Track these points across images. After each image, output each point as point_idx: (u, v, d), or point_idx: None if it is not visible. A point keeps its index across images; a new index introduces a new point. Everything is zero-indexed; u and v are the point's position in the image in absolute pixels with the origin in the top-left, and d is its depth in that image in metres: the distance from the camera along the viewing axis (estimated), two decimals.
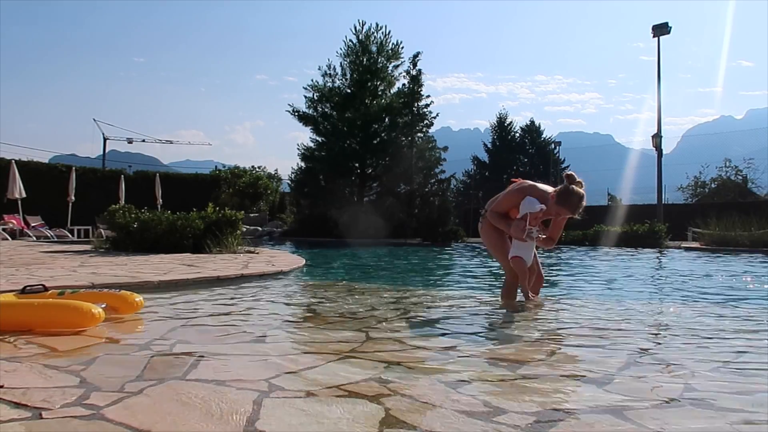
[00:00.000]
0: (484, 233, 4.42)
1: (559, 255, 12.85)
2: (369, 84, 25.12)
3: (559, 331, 3.31)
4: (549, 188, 4.17)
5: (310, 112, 25.84)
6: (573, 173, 4.07)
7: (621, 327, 3.46)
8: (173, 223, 9.66)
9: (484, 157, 46.01)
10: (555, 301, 4.65)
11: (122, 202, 17.27)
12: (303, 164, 25.97)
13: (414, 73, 24.33)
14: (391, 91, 25.60)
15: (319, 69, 26.06)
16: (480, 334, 3.19)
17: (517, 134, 45.73)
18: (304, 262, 7.89)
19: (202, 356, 2.40)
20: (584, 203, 4.00)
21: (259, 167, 33.86)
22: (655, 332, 3.43)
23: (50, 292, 3.45)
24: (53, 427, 1.57)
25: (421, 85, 24.39)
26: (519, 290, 4.33)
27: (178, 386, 1.95)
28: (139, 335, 3.00)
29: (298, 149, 26.11)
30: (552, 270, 8.52)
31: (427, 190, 24.64)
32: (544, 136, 45.39)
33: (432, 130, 25.91)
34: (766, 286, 6.65)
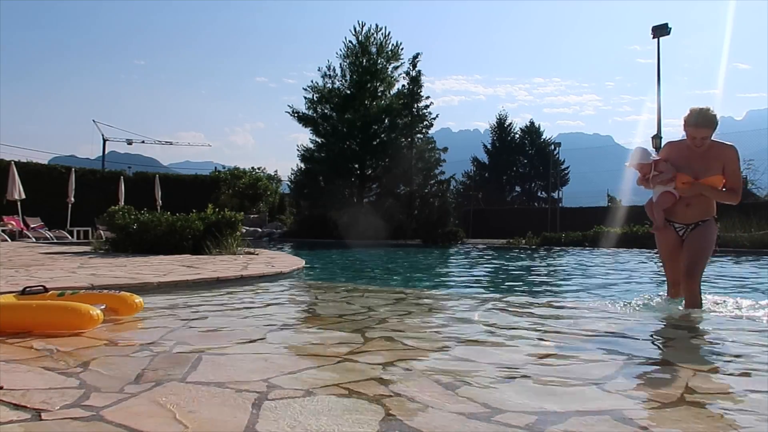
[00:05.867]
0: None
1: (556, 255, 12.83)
2: (368, 85, 25.11)
3: (557, 332, 3.30)
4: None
5: (310, 113, 25.84)
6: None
7: (622, 328, 3.46)
8: (173, 225, 9.66)
9: (483, 158, 45.98)
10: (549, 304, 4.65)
11: (122, 203, 17.26)
12: (303, 165, 25.98)
13: (413, 74, 24.36)
14: (391, 92, 25.59)
15: (318, 70, 26.12)
16: (479, 335, 3.19)
17: (517, 135, 45.68)
18: (303, 263, 7.88)
19: (202, 357, 2.41)
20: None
21: (258, 168, 33.77)
22: (654, 333, 3.44)
23: (50, 293, 3.45)
24: (52, 428, 1.58)
25: (420, 86, 24.41)
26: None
27: (177, 388, 1.96)
28: (139, 336, 3.00)
29: (298, 150, 26.14)
30: (551, 271, 8.51)
31: (426, 191, 24.64)
32: (543, 137, 45.37)
33: (431, 131, 25.95)
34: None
